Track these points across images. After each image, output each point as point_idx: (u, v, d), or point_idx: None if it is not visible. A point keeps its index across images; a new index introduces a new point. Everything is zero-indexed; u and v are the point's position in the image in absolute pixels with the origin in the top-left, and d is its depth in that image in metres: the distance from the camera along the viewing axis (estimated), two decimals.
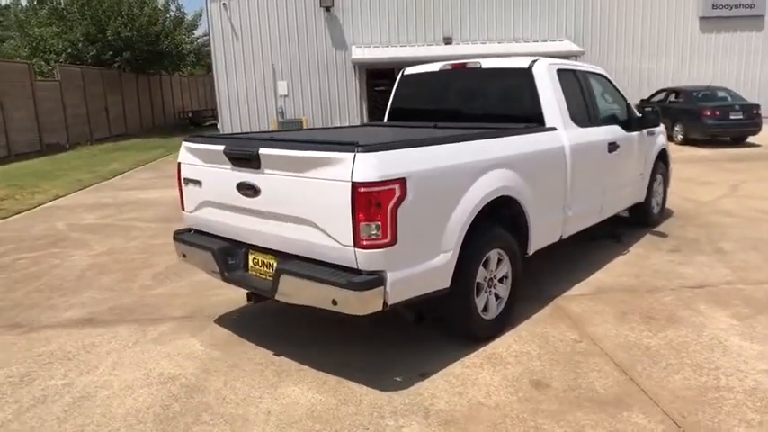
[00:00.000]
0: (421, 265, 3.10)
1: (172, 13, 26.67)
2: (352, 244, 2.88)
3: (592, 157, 4.70)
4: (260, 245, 3.44)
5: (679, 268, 5.03)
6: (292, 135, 4.93)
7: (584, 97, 4.85)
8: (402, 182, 2.90)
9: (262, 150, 3.18)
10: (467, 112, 4.85)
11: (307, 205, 3.05)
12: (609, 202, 5.18)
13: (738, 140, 14.10)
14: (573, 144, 4.38)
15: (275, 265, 3.34)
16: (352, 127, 5.73)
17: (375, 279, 2.87)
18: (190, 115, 31.89)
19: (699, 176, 9.55)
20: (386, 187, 2.83)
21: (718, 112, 13.16)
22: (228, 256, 3.61)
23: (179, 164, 3.92)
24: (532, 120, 4.38)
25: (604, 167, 4.95)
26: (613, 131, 5.11)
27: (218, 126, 21.52)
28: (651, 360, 3.37)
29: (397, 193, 2.88)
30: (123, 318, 4.45)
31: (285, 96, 20.77)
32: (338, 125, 20.83)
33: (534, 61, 4.46)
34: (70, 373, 3.54)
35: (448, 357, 3.51)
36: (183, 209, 4.00)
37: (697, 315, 3.99)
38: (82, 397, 3.24)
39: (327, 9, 20.03)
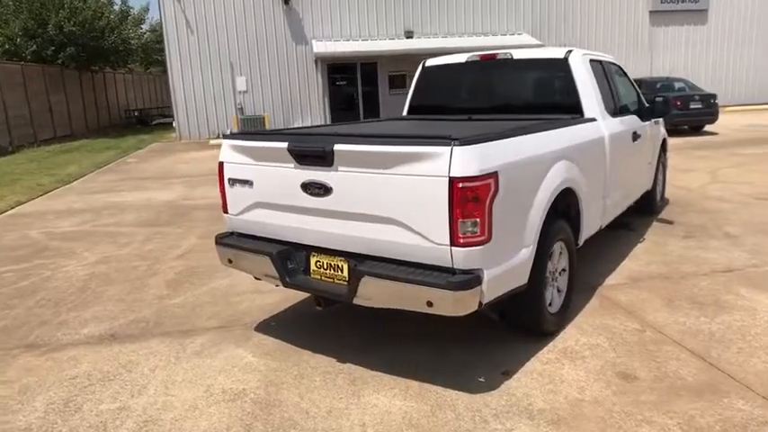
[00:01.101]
0: (509, 262, 3.02)
1: (117, 7, 25.34)
2: (447, 242, 2.76)
3: (622, 147, 4.75)
4: (326, 247, 3.25)
5: (701, 254, 5.17)
6: (355, 129, 4.68)
7: (610, 87, 4.89)
8: (495, 176, 2.80)
9: (337, 147, 3.00)
10: (499, 104, 4.79)
11: (390, 203, 2.90)
12: (631, 190, 5.26)
13: (697, 129, 14.80)
14: (610, 134, 4.40)
15: (346, 267, 3.17)
16: (374, 121, 5.54)
17: (473, 278, 2.76)
18: (137, 114, 30.52)
19: (677, 165, 9.93)
20: (483, 182, 2.72)
21: (679, 102, 13.75)
22: (287, 259, 3.40)
23: (221, 163, 3.66)
24: (570, 110, 4.37)
25: (630, 157, 5.02)
26: (634, 121, 5.19)
27: (174, 124, 20.68)
28: (722, 345, 3.42)
29: (492, 188, 2.78)
30: (151, 331, 4.14)
31: (244, 92, 20.20)
32: (302, 123, 20.47)
33: (570, 51, 4.45)
34: (120, 396, 3.24)
35: (520, 354, 3.44)
36: (226, 211, 3.74)
37: (741, 299, 4.10)
38: (146, 421, 2.96)
39: (286, 2, 19.59)
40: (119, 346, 3.91)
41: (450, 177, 2.68)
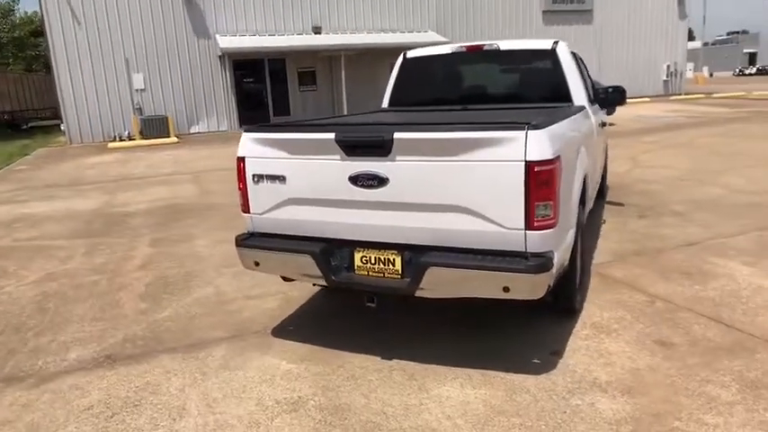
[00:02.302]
0: (565, 244, 3.11)
1: None
2: (522, 226, 2.78)
3: (597, 133, 5.07)
4: (375, 240, 3.14)
5: (661, 230, 5.67)
6: (396, 118, 4.46)
7: (583, 77, 5.19)
8: (559, 159, 2.87)
9: (398, 135, 2.90)
10: (488, 94, 4.90)
11: (456, 191, 2.86)
12: (598, 176, 5.63)
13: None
14: (594, 120, 4.68)
15: (399, 260, 3.09)
16: (363, 113, 5.39)
17: (548, 260, 2.82)
18: (6, 117, 27.28)
19: None
20: (554, 165, 2.78)
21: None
22: (330, 257, 3.24)
23: (242, 159, 3.39)
24: (559, 99, 4.58)
25: (599, 143, 5.38)
26: (598, 109, 5.55)
27: (62, 127, 18.78)
28: (728, 308, 3.79)
29: (558, 171, 2.85)
30: (154, 348, 3.75)
31: (142, 90, 18.84)
32: (207, 123, 19.52)
33: (556, 42, 4.66)
34: (159, 421, 2.91)
35: (558, 334, 3.57)
36: (247, 211, 3.47)
37: (718, 267, 4.56)
38: None
39: None
40: (124, 368, 3.49)
41: (526, 161, 2.71)
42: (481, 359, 3.29)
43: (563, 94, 4.58)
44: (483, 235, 2.87)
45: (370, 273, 3.20)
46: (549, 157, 2.73)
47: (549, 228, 2.81)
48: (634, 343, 3.39)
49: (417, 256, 3.02)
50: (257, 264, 3.46)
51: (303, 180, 3.23)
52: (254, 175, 3.37)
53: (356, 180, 3.05)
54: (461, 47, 5.01)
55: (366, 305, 3.25)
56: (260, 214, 3.43)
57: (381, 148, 2.95)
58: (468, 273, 2.88)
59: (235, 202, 8.13)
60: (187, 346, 3.76)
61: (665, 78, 25.15)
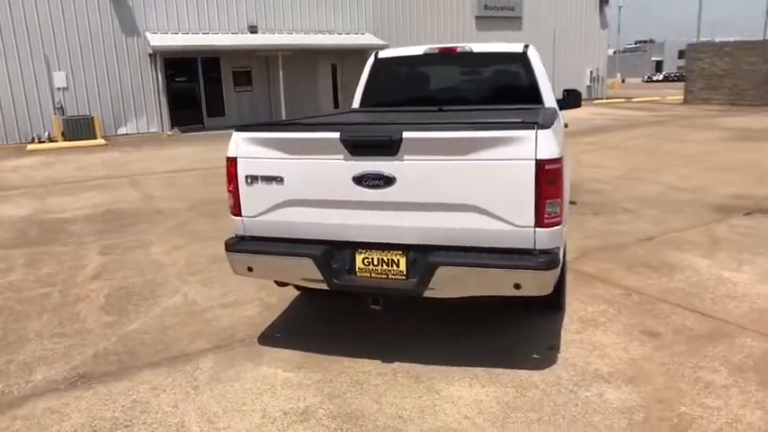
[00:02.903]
0: (563, 240, 3.18)
1: None
2: (532, 224, 2.82)
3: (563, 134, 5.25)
4: (379, 241, 3.08)
5: (617, 227, 5.96)
6: (374, 118, 4.34)
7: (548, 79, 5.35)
8: (563, 157, 2.94)
9: (406, 134, 2.86)
10: (462, 95, 4.95)
11: (465, 190, 2.86)
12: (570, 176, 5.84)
13: None
14: (564, 121, 4.85)
15: (404, 261, 3.05)
16: (339, 113, 5.27)
17: (556, 257, 2.87)
18: None
19: None
20: (560, 164, 2.84)
21: None
22: (330, 259, 3.15)
23: (233, 159, 3.23)
24: (530, 101, 4.70)
25: (567, 143, 5.57)
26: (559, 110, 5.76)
27: None
28: (697, 298, 4.03)
29: (563, 169, 2.91)
30: (132, 364, 3.50)
31: (64, 89, 17.64)
32: (136, 124, 18.60)
33: (527, 46, 4.79)
34: None
35: (549, 329, 3.66)
36: (238, 213, 3.30)
37: (678, 260, 4.85)
38: None
39: None
40: (103, 387, 3.23)
41: (536, 160, 2.75)
42: (482, 357, 3.31)
43: (534, 96, 4.71)
44: (492, 233, 2.89)
45: (373, 274, 3.14)
46: (556, 155, 2.79)
47: (557, 225, 2.87)
48: (623, 334, 3.53)
49: (425, 255, 2.99)
50: (251, 269, 3.30)
51: (302, 181, 3.11)
52: (247, 177, 3.21)
53: (361, 180, 2.98)
54: (434, 48, 5.04)
55: (371, 308, 3.18)
56: (252, 217, 3.28)
57: (389, 148, 2.90)
58: (479, 272, 2.88)
59: (186, 207, 7.88)
60: (169, 359, 3.53)
61: (588, 83, 26.58)
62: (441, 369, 3.22)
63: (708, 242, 5.32)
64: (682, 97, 23.92)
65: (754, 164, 9.38)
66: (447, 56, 4.99)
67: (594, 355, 3.29)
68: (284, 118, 18.82)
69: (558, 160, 2.80)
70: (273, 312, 4.18)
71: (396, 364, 3.31)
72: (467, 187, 2.87)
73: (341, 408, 2.90)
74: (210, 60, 19.80)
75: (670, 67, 71.22)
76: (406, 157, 2.91)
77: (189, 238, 6.24)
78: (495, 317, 3.86)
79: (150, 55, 18.24)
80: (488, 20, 22.74)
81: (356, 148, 2.96)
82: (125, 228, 6.86)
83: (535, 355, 3.34)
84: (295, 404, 2.96)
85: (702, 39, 26.11)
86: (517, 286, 2.86)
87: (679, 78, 42.72)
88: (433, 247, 3.00)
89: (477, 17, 22.45)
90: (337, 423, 2.77)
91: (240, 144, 3.21)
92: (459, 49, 4.95)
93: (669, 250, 5.11)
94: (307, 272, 3.16)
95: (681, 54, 54.76)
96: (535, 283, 2.86)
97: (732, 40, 23.03)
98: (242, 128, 3.23)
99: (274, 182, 3.17)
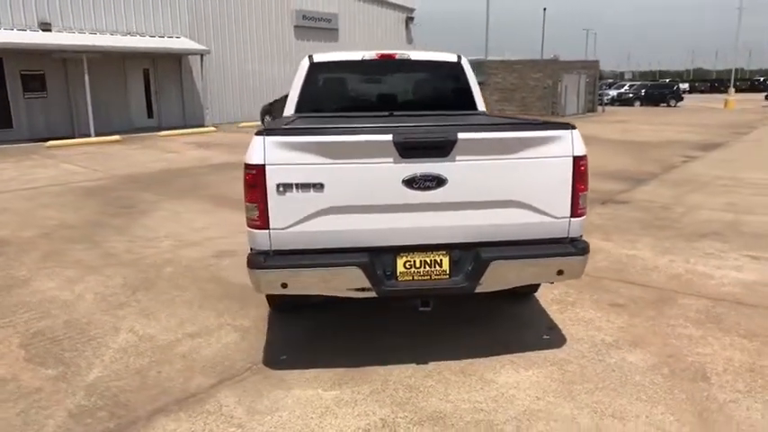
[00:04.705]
0: None
1: None
2: (568, 214, 3.14)
3: None
4: (423, 243, 3.10)
5: None
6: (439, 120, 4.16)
7: None
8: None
9: (461, 135, 2.93)
10: (402, 101, 5.08)
11: (512, 186, 3.06)
12: None
13: None
14: None
15: (447, 260, 3.13)
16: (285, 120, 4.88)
17: (587, 243, 3.22)
18: None
19: None
20: (587, 161, 3.20)
21: None
22: (375, 266, 3.06)
23: (260, 167, 2.92)
24: (467, 106, 5.07)
25: None
26: None
27: None
28: (626, 273, 4.80)
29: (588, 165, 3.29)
30: (134, 416, 2.97)
31: None
32: None
33: (459, 56, 5.14)
34: None
35: (535, 312, 4.08)
36: (265, 226, 3.00)
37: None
38: None
39: None
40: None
41: (573, 156, 3.07)
42: (501, 346, 3.53)
43: (470, 102, 5.09)
44: (533, 226, 3.13)
45: (415, 277, 3.14)
46: (585, 152, 3.15)
47: (584, 215, 3.24)
48: (597, 309, 4.08)
49: (472, 253, 3.10)
50: (285, 285, 3.02)
51: (346, 186, 2.97)
52: (278, 185, 2.94)
53: (412, 182, 2.97)
54: (372, 54, 5.09)
55: (420, 310, 3.17)
56: (283, 229, 3.01)
57: (442, 149, 2.95)
58: (528, 262, 3.10)
59: (38, 234, 6.59)
60: (178, 402, 3.05)
61: None
62: (475, 362, 3.36)
63: (604, 224, 6.31)
64: None
65: None
66: (386, 62, 5.09)
67: (591, 329, 3.75)
68: (92, 129, 16.66)
69: (586, 157, 3.16)
70: (256, 336, 3.84)
71: (432, 364, 3.35)
72: (512, 184, 3.06)
73: (417, 413, 2.86)
74: None
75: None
76: (458, 157, 2.99)
77: (78, 269, 5.28)
78: (478, 310, 4.08)
79: None
80: (307, 30, 23.04)
81: (408, 150, 2.95)
82: None
83: (545, 336, 3.67)
84: (368, 419, 2.82)
85: (492, 57, 29.97)
86: (560, 272, 3.15)
87: None
88: (478, 243, 3.12)
89: (295, 26, 22.58)
90: (427, 427, 2.73)
91: (270, 149, 2.93)
92: (397, 56, 5.09)
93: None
94: (354, 281, 3.02)
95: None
96: (575, 269, 3.18)
97: (516, 59, 26.89)
98: (270, 132, 2.96)
99: (312, 189, 2.97)
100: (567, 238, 3.20)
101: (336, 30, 24.12)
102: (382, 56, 5.09)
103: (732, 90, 34.56)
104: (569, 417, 2.79)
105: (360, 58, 5.08)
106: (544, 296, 4.31)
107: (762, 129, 18.69)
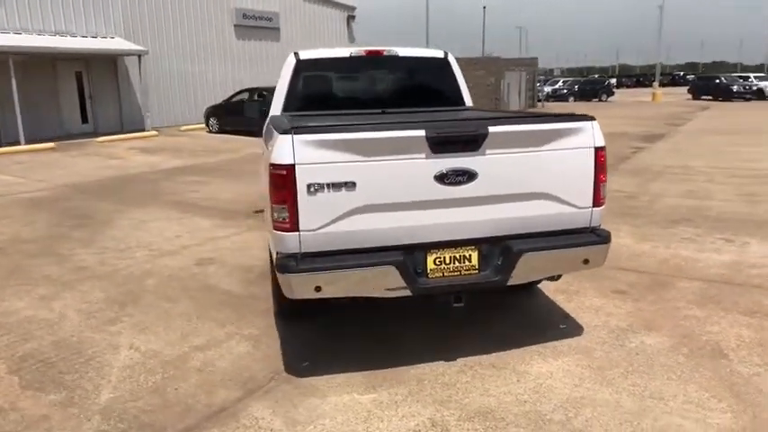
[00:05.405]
0: None
1: None
2: (590, 204, 3.20)
3: None
4: (453, 239, 3.08)
5: None
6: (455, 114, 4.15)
7: None
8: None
9: (492, 129, 2.92)
10: (393, 98, 5.02)
11: (539, 178, 3.09)
12: None
13: None
14: None
15: (476, 255, 3.12)
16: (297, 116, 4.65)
17: (608, 232, 3.30)
18: None
19: None
20: (606, 152, 3.28)
21: None
22: (408, 264, 3.01)
23: (289, 167, 2.80)
24: (455, 102, 5.09)
25: None
26: None
27: None
28: (617, 261, 4.95)
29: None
30: (192, 426, 2.76)
31: None
32: None
33: (446, 52, 5.15)
34: None
35: (543, 303, 4.14)
36: (295, 228, 2.88)
37: None
38: None
39: None
40: None
41: (595, 147, 3.14)
42: (523, 338, 3.56)
43: (458, 98, 5.11)
44: (559, 217, 3.17)
45: (445, 273, 3.12)
46: (604, 143, 3.22)
47: (604, 204, 3.31)
48: (603, 296, 4.19)
49: (501, 246, 3.10)
50: (319, 288, 2.91)
51: (378, 184, 2.90)
52: (309, 185, 2.83)
53: (443, 178, 2.94)
54: (360, 50, 5.01)
55: (453, 306, 3.14)
56: (314, 230, 2.90)
57: (473, 143, 2.94)
58: (557, 253, 3.14)
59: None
60: (208, 418, 2.88)
61: None
62: (503, 354, 3.37)
63: None
64: None
65: None
66: (373, 59, 5.03)
67: (603, 315, 3.85)
68: (22, 137, 15.55)
69: (605, 147, 3.23)
70: (269, 344, 3.70)
71: (460, 360, 3.33)
72: (538, 176, 3.10)
73: (463, 410, 2.83)
74: None
75: None
76: (488, 151, 2.98)
77: (49, 286, 4.90)
78: (494, 305, 4.11)
79: None
80: (247, 29, 22.42)
81: (439, 145, 2.92)
82: None
83: (562, 326, 3.74)
84: (415, 420, 2.77)
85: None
86: (585, 261, 3.22)
87: None
88: (506, 237, 3.13)
89: (236, 26, 21.94)
90: (478, 423, 2.72)
91: (299, 148, 2.81)
92: (385, 53, 5.03)
93: None
94: (390, 281, 2.96)
95: None
96: (599, 256, 3.25)
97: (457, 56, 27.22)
98: (299, 129, 2.84)
99: (344, 188, 2.88)
100: (590, 227, 3.27)
101: (278, 29, 23.64)
102: (370, 52, 5.02)
103: (657, 84, 36.67)
104: (612, 401, 2.85)
105: (347, 55, 4.99)
106: (546, 287, 4.39)
107: (695, 120, 19.91)
